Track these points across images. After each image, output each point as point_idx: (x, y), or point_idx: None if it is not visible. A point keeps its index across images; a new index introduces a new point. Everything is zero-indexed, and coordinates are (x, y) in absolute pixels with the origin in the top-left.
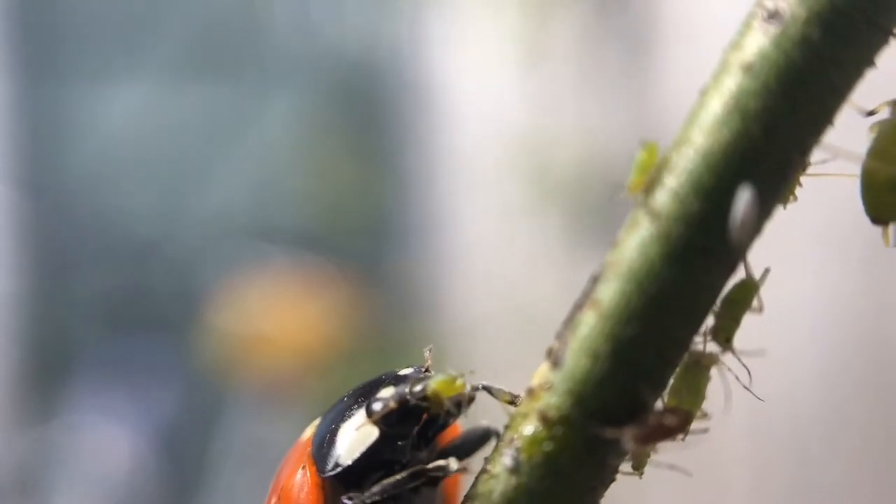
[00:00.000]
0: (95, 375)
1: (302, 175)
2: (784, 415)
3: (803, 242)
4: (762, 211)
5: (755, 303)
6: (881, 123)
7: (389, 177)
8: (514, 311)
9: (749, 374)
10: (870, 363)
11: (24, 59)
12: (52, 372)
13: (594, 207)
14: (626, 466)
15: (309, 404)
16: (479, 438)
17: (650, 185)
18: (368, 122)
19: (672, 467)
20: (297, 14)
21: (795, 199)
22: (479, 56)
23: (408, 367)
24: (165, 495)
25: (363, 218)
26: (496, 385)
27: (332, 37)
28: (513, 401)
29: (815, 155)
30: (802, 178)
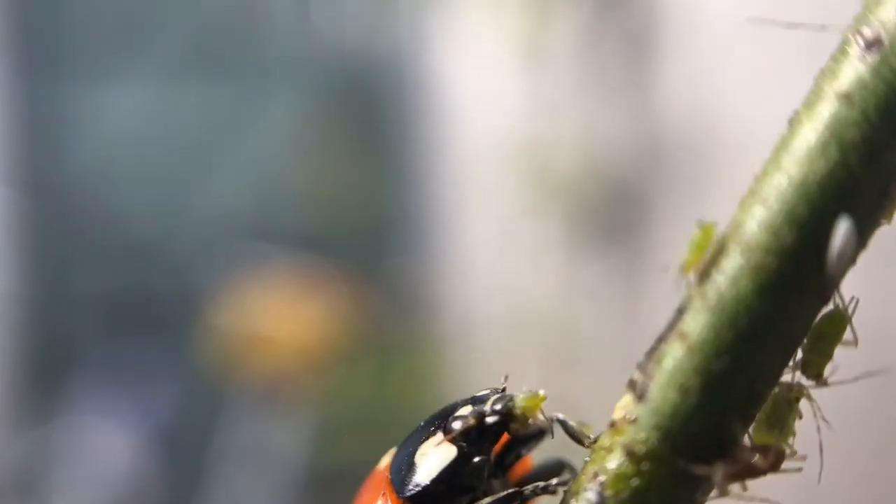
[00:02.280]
0: (95, 375)
1: (302, 175)
2: None
3: None
4: (859, 242)
5: (849, 335)
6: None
7: (389, 177)
8: (514, 312)
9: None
10: (870, 362)
11: (24, 60)
12: (52, 372)
13: (594, 208)
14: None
15: (308, 404)
16: (552, 471)
17: (706, 268)
18: (368, 121)
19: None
20: (297, 14)
21: (889, 221)
22: (480, 56)
23: (484, 389)
24: (165, 495)
25: (363, 218)
26: (570, 420)
27: (332, 37)
28: (583, 441)
29: None
30: None
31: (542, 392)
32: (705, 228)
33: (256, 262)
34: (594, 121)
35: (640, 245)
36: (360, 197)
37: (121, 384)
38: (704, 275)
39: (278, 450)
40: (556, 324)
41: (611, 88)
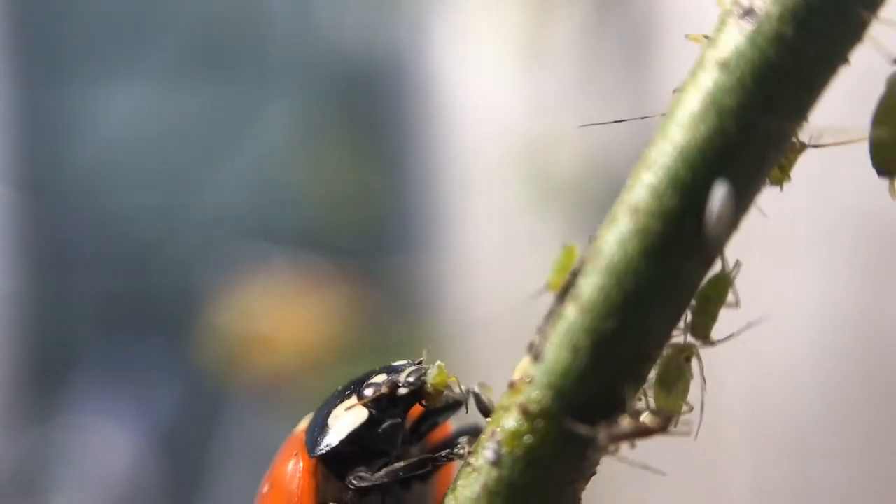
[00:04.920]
0: (95, 375)
1: (302, 175)
2: (783, 414)
3: (803, 242)
4: (738, 206)
5: (731, 298)
6: (888, 80)
7: (389, 177)
8: (513, 312)
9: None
10: (869, 362)
11: (24, 60)
12: (52, 372)
13: (594, 208)
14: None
15: (309, 404)
16: (469, 436)
17: (567, 286)
18: (368, 121)
19: (646, 467)
20: (298, 14)
21: (789, 179)
22: (480, 56)
23: (401, 360)
24: (165, 495)
25: (363, 218)
26: (482, 393)
27: (332, 37)
28: (489, 414)
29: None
30: (800, 159)
31: (449, 375)
32: (568, 250)
33: (256, 261)
34: (594, 120)
35: None
36: (360, 197)
37: (121, 384)
38: (565, 292)
39: (278, 449)
40: None
41: (611, 88)
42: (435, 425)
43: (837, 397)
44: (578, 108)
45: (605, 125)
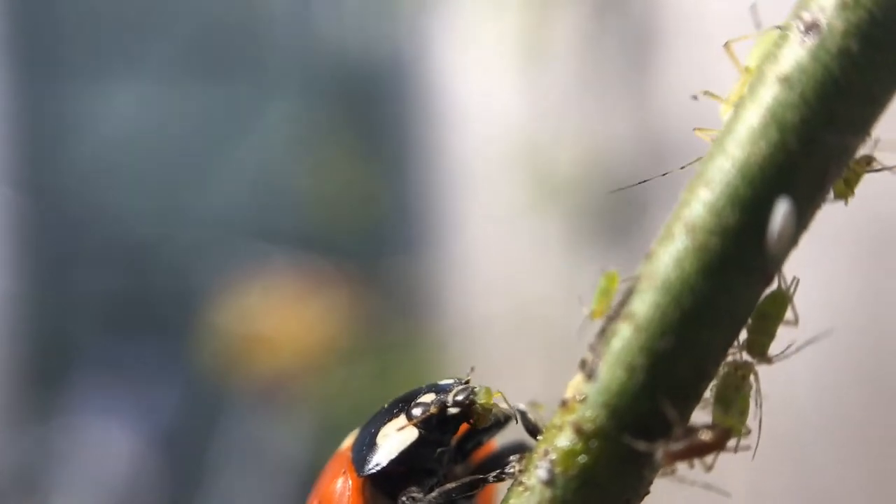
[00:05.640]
0: (95, 375)
1: (302, 175)
2: (783, 414)
3: (804, 243)
4: (799, 223)
5: (790, 315)
6: None
7: (389, 177)
8: (514, 312)
9: None
10: (869, 362)
11: (24, 60)
12: (52, 372)
13: (595, 208)
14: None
15: (308, 404)
16: (513, 454)
17: (620, 305)
18: (368, 122)
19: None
20: (297, 14)
21: (853, 194)
22: (480, 56)
23: (448, 378)
24: (165, 495)
25: (363, 218)
26: (529, 412)
27: (331, 37)
28: (537, 434)
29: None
30: (865, 175)
31: (497, 395)
32: (609, 277)
33: (256, 262)
34: (595, 121)
35: (639, 245)
36: (360, 197)
37: (121, 384)
38: (612, 319)
39: (278, 450)
40: (555, 324)
41: (611, 89)
42: (480, 444)
43: (837, 398)
44: (579, 109)
45: (605, 125)
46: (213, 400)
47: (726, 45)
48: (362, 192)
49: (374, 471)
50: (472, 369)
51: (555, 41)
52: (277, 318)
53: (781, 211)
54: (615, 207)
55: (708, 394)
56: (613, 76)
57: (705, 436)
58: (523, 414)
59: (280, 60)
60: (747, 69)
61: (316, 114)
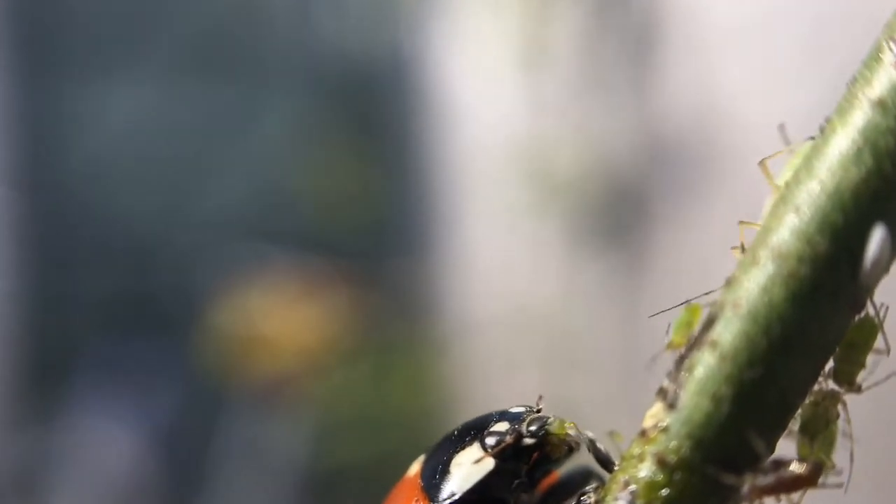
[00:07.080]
0: (96, 376)
1: (302, 175)
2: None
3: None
4: (894, 250)
5: (880, 343)
6: None
7: (389, 177)
8: (513, 312)
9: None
10: (869, 361)
11: (24, 59)
12: (52, 372)
13: (595, 209)
14: None
15: (309, 404)
16: (580, 480)
17: (696, 343)
18: (368, 122)
19: None
20: (298, 15)
21: None
22: (480, 57)
23: (519, 406)
24: (165, 495)
25: (363, 218)
26: (597, 439)
27: (332, 37)
28: (610, 466)
29: None
30: None
31: (570, 424)
32: (692, 310)
33: (256, 262)
34: (595, 122)
35: (640, 246)
36: (360, 197)
37: (121, 384)
38: (694, 347)
39: (278, 450)
40: (556, 324)
41: (611, 89)
42: (548, 472)
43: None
44: (579, 109)
45: (605, 126)
46: (214, 400)
47: (761, 163)
48: (362, 192)
49: (448, 501)
50: (541, 397)
51: (555, 41)
52: (277, 318)
53: (877, 238)
54: (615, 207)
55: (793, 425)
56: (613, 76)
57: (797, 469)
58: (592, 443)
59: (280, 60)
60: (779, 186)
61: (316, 115)
